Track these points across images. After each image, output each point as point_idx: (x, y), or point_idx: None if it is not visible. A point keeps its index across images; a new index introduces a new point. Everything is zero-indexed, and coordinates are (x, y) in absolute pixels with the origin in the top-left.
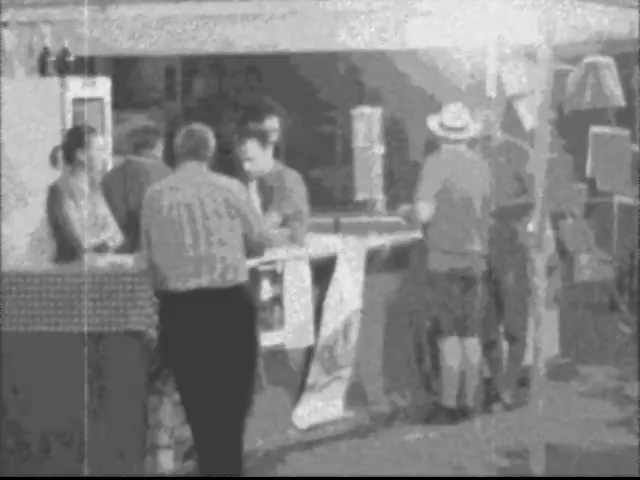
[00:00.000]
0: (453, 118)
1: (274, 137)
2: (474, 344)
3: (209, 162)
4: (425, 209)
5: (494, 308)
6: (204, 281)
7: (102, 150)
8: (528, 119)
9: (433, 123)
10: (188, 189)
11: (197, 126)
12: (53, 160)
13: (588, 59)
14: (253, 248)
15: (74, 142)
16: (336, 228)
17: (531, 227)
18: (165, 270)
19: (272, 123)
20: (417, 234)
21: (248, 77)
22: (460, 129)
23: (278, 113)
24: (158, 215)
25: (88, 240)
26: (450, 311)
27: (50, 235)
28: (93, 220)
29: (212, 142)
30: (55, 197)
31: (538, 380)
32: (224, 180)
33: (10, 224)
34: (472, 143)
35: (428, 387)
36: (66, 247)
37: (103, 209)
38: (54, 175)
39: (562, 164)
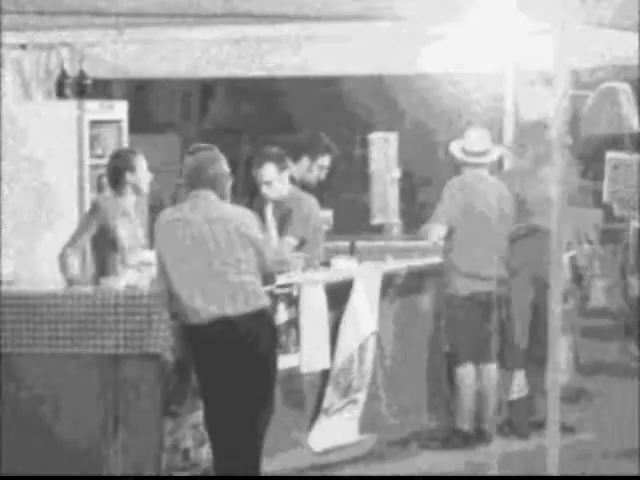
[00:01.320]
0: (474, 143)
1: (322, 175)
2: (491, 369)
3: (220, 189)
4: (435, 231)
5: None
6: (227, 309)
7: (147, 171)
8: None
9: (455, 148)
10: (199, 220)
11: (206, 154)
12: (99, 186)
13: (605, 85)
14: (266, 276)
15: (121, 165)
16: (352, 252)
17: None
18: (186, 301)
19: (324, 160)
20: (433, 259)
21: (265, 101)
22: (481, 153)
23: (332, 151)
24: (171, 246)
25: (130, 258)
26: (468, 336)
27: (91, 251)
28: (134, 241)
29: (222, 169)
30: (99, 213)
31: (552, 405)
32: (234, 210)
33: (24, 247)
34: (494, 168)
35: (445, 411)
36: (106, 263)
37: (142, 231)
38: (68, 198)
39: (578, 190)
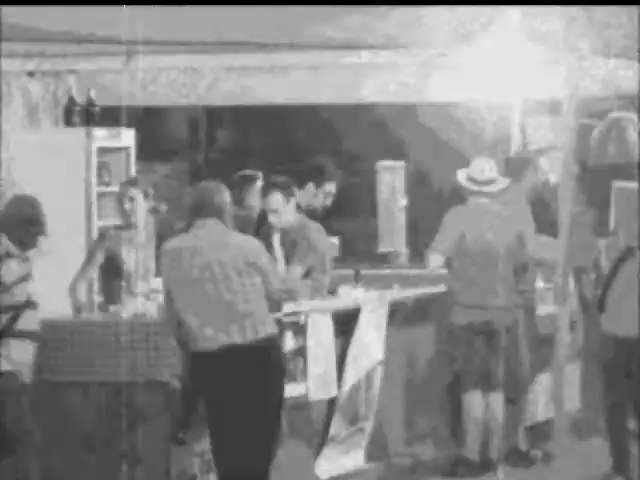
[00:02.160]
0: (480, 172)
1: (328, 201)
2: (498, 398)
3: (224, 219)
4: (433, 259)
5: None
6: (235, 337)
7: (141, 202)
8: (552, 173)
9: (461, 176)
10: (206, 248)
11: (212, 184)
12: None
13: (612, 114)
14: (272, 304)
15: (119, 194)
16: (356, 280)
17: (542, 284)
18: (194, 329)
19: (330, 187)
20: (440, 287)
21: (272, 129)
22: (487, 182)
23: (334, 178)
24: (178, 274)
25: (137, 286)
26: (472, 365)
27: (99, 279)
28: (142, 269)
29: (226, 199)
30: (105, 241)
31: (560, 434)
32: (241, 238)
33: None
34: (497, 196)
35: (451, 440)
36: (114, 291)
37: (151, 261)
38: (77, 224)
39: (585, 218)
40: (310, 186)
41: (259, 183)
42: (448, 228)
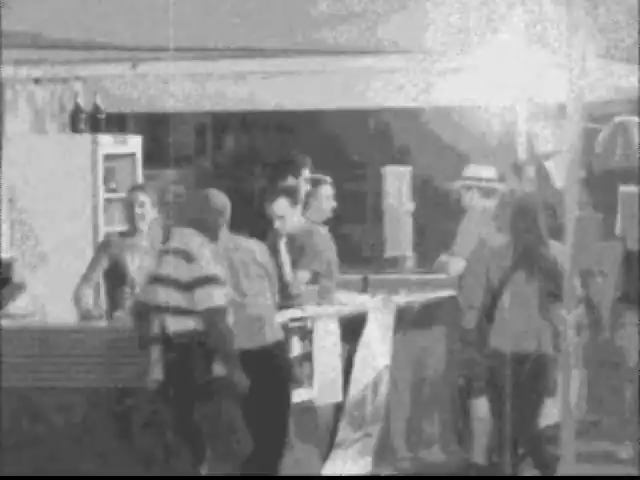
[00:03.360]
0: (477, 172)
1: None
2: (481, 403)
3: (227, 226)
4: (455, 265)
5: None
6: (243, 343)
7: (149, 208)
8: (557, 177)
9: (458, 184)
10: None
11: (213, 191)
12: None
13: (618, 118)
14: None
15: (128, 200)
16: (364, 285)
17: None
18: None
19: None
20: (446, 292)
21: (278, 134)
22: (487, 180)
23: (306, 164)
24: None
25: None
26: (481, 370)
27: (104, 285)
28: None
29: (228, 207)
30: (109, 247)
31: (566, 438)
32: (247, 241)
33: (38, 281)
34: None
35: (459, 444)
36: (118, 297)
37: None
38: (84, 231)
39: (592, 223)
40: (290, 179)
41: (327, 187)
42: (467, 233)
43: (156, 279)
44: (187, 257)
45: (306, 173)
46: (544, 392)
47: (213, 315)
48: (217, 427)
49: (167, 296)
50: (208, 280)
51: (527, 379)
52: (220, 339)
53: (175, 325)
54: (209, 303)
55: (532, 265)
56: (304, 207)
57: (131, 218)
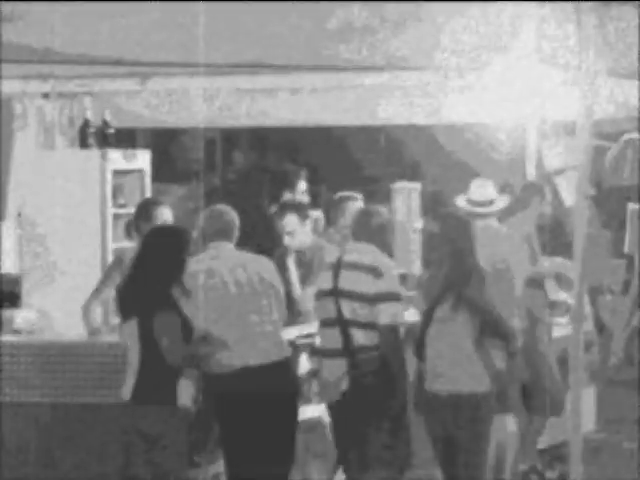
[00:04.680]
0: (478, 193)
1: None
2: (511, 420)
3: (235, 241)
4: None
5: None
6: (250, 360)
7: (166, 223)
8: (567, 195)
9: (461, 201)
10: (222, 269)
11: (222, 207)
12: (127, 232)
13: (627, 136)
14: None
15: (140, 214)
16: None
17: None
18: (209, 351)
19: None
20: None
21: (288, 150)
22: (486, 203)
23: (301, 176)
24: (194, 297)
25: None
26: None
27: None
28: None
29: (237, 223)
30: (122, 265)
31: (575, 456)
32: (254, 257)
33: (46, 297)
34: (504, 218)
35: None
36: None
37: None
38: (92, 246)
39: (600, 240)
40: (286, 193)
41: (356, 204)
42: None
43: (331, 293)
44: (375, 273)
45: (302, 185)
46: (485, 436)
47: (390, 331)
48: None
49: (352, 310)
50: (392, 296)
51: (466, 423)
52: (396, 355)
53: (362, 339)
54: (389, 319)
55: (457, 298)
56: (330, 223)
57: (135, 233)
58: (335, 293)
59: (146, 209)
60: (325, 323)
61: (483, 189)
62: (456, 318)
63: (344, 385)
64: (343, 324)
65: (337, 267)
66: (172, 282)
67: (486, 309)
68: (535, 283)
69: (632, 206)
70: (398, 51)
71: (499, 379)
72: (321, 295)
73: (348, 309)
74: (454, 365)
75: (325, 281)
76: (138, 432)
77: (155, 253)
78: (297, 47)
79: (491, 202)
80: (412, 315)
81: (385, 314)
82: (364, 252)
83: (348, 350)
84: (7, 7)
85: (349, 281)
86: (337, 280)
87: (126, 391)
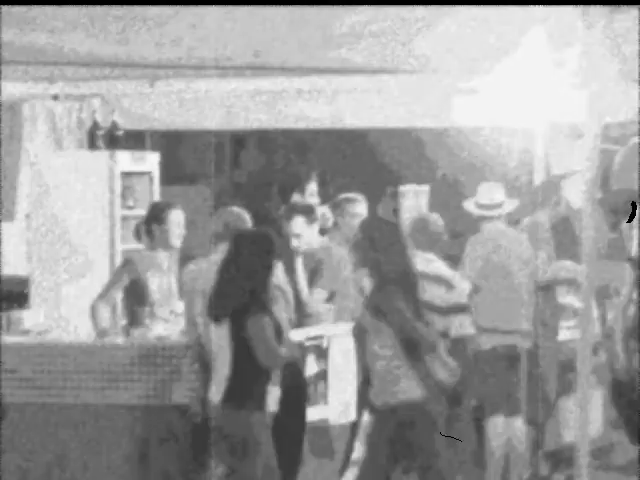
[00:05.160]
0: (487, 196)
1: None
2: (520, 423)
3: None
4: (460, 286)
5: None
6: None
7: (179, 225)
8: (575, 198)
9: (469, 204)
10: None
11: (234, 209)
12: (137, 234)
13: (635, 139)
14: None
15: (152, 216)
16: None
17: (571, 300)
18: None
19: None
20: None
21: (297, 152)
22: (495, 206)
23: (311, 179)
24: (202, 296)
25: (160, 311)
26: (494, 389)
27: (122, 303)
28: (166, 293)
29: (247, 223)
30: (131, 266)
31: (582, 459)
32: None
33: (54, 297)
34: (513, 220)
35: (473, 465)
36: (137, 315)
37: (174, 284)
38: (101, 248)
39: (608, 243)
40: (296, 195)
41: (356, 206)
42: (472, 256)
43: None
44: (446, 284)
45: (312, 188)
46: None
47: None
48: None
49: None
50: (462, 308)
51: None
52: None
53: None
54: (461, 331)
55: (378, 310)
56: (334, 226)
57: (145, 235)
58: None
59: (159, 212)
60: None
61: (492, 192)
62: (381, 329)
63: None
64: None
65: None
66: (264, 285)
67: (401, 318)
68: (546, 288)
69: None
70: (407, 55)
71: (442, 387)
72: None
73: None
74: (389, 377)
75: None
76: (224, 437)
77: (245, 257)
78: (308, 49)
79: (500, 205)
80: None
81: (456, 325)
82: (429, 261)
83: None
84: (15, 10)
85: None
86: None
87: (215, 395)
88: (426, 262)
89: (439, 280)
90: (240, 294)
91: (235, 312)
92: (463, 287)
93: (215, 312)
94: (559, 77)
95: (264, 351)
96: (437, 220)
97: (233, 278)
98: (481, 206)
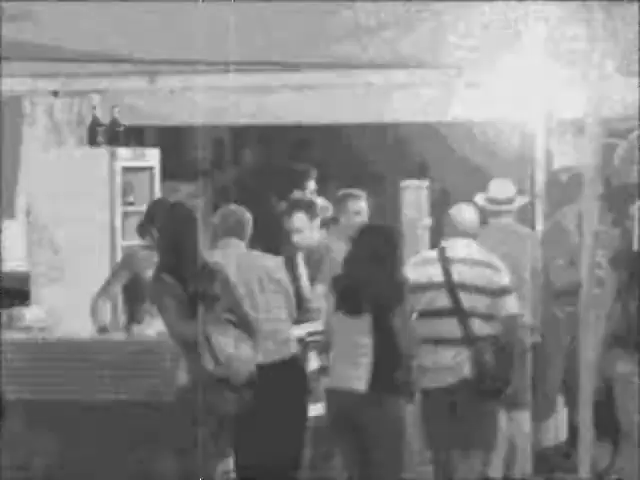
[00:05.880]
0: (499, 191)
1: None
2: (524, 417)
3: (247, 240)
4: None
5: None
6: (258, 357)
7: None
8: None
9: (479, 199)
10: (231, 267)
11: (235, 206)
12: (141, 232)
13: (636, 133)
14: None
15: (147, 215)
16: None
17: None
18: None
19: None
20: None
21: (296, 148)
22: (505, 202)
23: (311, 176)
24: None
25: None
26: (519, 384)
27: (123, 299)
28: None
29: (250, 222)
30: (131, 263)
31: (585, 450)
32: (263, 256)
33: (55, 294)
34: (522, 217)
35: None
36: (137, 311)
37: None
38: (102, 244)
39: (609, 238)
40: (296, 191)
41: (355, 203)
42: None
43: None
44: (493, 268)
45: (312, 185)
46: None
47: (512, 322)
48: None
49: (472, 302)
50: (507, 290)
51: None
52: (517, 344)
53: (480, 329)
54: (509, 310)
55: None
56: (333, 222)
57: (143, 234)
58: (450, 285)
59: (155, 210)
60: (437, 313)
61: (503, 188)
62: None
63: (466, 370)
64: (461, 314)
65: (444, 261)
66: (400, 277)
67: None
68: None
69: None
70: (406, 49)
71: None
72: (426, 288)
73: (467, 301)
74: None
75: (426, 275)
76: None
77: (384, 251)
78: (305, 45)
79: (511, 200)
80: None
81: (507, 306)
82: (470, 247)
83: (468, 338)
84: (15, 5)
85: (467, 275)
86: (449, 273)
87: (360, 383)
88: (467, 248)
89: (484, 264)
90: (385, 287)
91: (379, 305)
92: (506, 270)
93: (353, 306)
94: (560, 72)
95: (409, 341)
96: (469, 210)
97: (373, 271)
98: (493, 201)
